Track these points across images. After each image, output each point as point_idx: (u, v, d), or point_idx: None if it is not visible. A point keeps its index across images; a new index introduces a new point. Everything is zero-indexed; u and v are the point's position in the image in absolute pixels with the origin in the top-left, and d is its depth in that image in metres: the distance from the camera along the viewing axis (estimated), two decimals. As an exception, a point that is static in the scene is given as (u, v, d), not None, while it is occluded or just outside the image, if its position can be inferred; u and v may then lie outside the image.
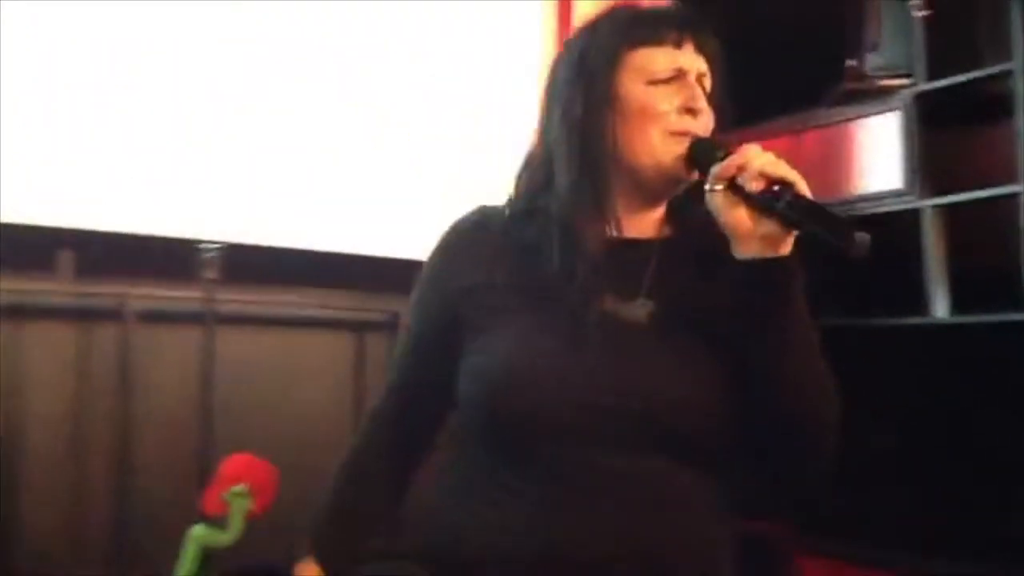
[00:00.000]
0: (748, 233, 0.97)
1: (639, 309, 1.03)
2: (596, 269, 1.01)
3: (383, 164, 2.60)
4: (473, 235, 1.10)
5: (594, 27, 1.09)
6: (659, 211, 1.10)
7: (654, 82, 1.04)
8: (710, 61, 1.07)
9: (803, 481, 1.11)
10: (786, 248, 0.96)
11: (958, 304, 2.43)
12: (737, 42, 3.19)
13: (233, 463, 1.94)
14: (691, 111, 1.03)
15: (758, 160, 0.96)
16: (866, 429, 2.67)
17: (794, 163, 2.88)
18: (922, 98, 2.53)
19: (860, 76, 2.78)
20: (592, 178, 1.03)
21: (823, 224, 0.92)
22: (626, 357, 1.00)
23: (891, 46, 2.72)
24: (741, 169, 0.97)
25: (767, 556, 2.76)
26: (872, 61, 2.76)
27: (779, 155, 2.86)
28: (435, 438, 1.16)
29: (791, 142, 2.93)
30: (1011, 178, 2.25)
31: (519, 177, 1.12)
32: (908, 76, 2.61)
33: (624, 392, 0.98)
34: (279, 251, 2.38)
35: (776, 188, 0.95)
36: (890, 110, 2.60)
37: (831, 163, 2.81)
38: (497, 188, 1.16)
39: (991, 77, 2.36)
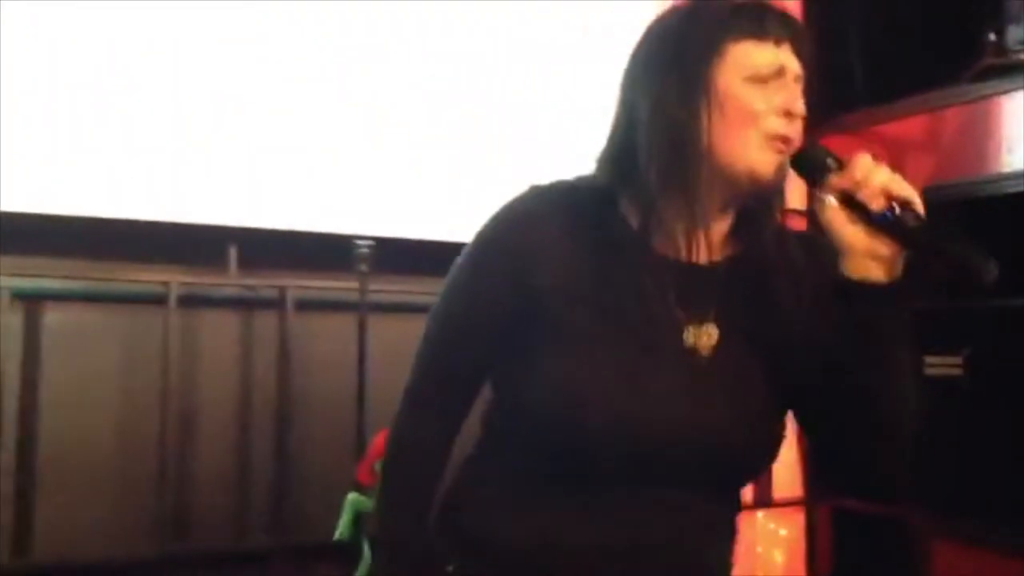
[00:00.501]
0: (865, 252, 0.91)
1: (705, 337, 0.98)
2: (670, 295, 0.97)
3: (515, 163, 2.69)
4: (541, 228, 0.99)
5: (693, 12, 0.99)
6: (729, 220, 1.02)
7: (753, 79, 0.94)
8: (804, 65, 0.99)
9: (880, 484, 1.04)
10: (900, 269, 0.91)
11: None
12: (876, 19, 3.15)
13: (384, 437, 2.08)
14: (790, 114, 0.95)
15: (878, 176, 0.90)
16: (1004, 413, 2.61)
17: (934, 141, 2.83)
18: (1066, 72, 2.45)
19: (1001, 50, 2.69)
20: (685, 174, 0.95)
21: (957, 249, 0.87)
22: (689, 390, 0.96)
23: (1034, 19, 2.63)
24: (859, 184, 0.90)
25: (900, 540, 2.74)
26: (1013, 34, 2.67)
27: (919, 133, 2.79)
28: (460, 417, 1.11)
29: (931, 120, 2.87)
30: None
31: (600, 162, 1.03)
32: (1052, 48, 2.53)
33: (684, 431, 0.95)
34: (425, 243, 2.50)
35: (897, 207, 0.89)
36: (1030, 85, 2.53)
37: (971, 141, 2.74)
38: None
39: None
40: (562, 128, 2.71)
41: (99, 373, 2.40)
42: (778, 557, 3.01)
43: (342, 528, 2.16)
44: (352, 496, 2.16)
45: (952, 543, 2.65)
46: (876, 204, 0.89)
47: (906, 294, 0.92)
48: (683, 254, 0.99)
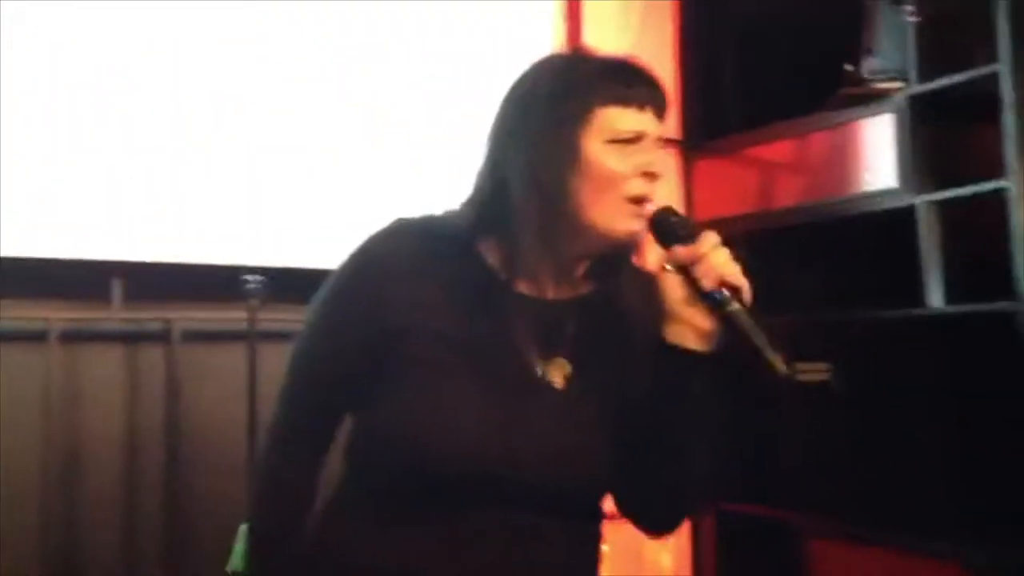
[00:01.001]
0: (687, 322, 0.98)
1: (557, 370, 1.04)
2: (526, 331, 1.02)
3: (415, 188, 2.74)
4: (399, 264, 1.05)
5: (565, 74, 1.04)
6: (587, 262, 1.09)
7: (615, 142, 1.01)
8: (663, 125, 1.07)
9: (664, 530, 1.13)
10: (712, 343, 0.99)
11: (952, 295, 2.53)
12: (748, 51, 3.34)
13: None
14: (648, 175, 1.02)
15: (715, 257, 0.97)
16: (871, 416, 2.79)
17: (802, 164, 3.02)
18: (915, 100, 2.63)
19: (858, 80, 2.88)
20: (553, 234, 1.01)
21: (763, 340, 0.94)
22: (539, 420, 1.01)
23: (887, 51, 2.82)
24: (698, 260, 0.97)
25: (780, 540, 2.89)
26: (869, 65, 2.86)
27: (788, 156, 2.99)
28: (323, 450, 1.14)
29: (798, 144, 3.05)
30: (1000, 174, 2.35)
31: (465, 206, 1.09)
32: (903, 79, 2.71)
33: (532, 457, 1.00)
34: (312, 272, 2.51)
35: (726, 291, 0.96)
36: (885, 112, 2.71)
37: (833, 164, 2.93)
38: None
39: (980, 78, 2.47)
40: (437, 159, 2.77)
41: (-24, 414, 2.33)
42: (665, 560, 3.13)
43: (235, 559, 2.15)
44: (245, 527, 2.16)
45: (827, 541, 2.81)
46: (706, 282, 0.96)
47: (713, 366, 0.99)
48: (539, 292, 1.05)
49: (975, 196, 2.49)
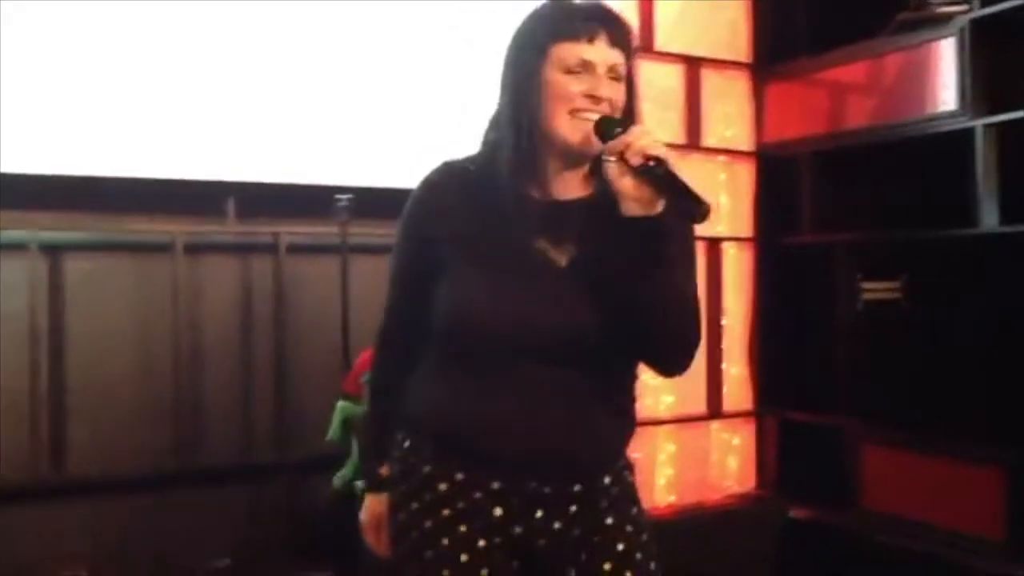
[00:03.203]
0: (630, 196, 1.21)
1: (562, 254, 1.30)
2: (532, 225, 1.29)
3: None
4: (441, 193, 1.35)
5: (531, 21, 1.32)
6: (582, 171, 1.34)
7: (567, 71, 1.26)
8: (625, 49, 1.29)
9: (674, 372, 1.36)
10: (658, 208, 1.21)
11: (1006, 216, 2.62)
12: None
13: (367, 355, 2.34)
14: (592, 97, 1.26)
15: (640, 140, 1.19)
16: (936, 333, 2.90)
17: (875, 85, 3.02)
18: (976, 24, 2.68)
19: (922, 3, 2.93)
20: (527, 147, 1.29)
21: (681, 192, 1.17)
22: (552, 290, 1.28)
23: (952, -27, 2.85)
24: (628, 146, 1.19)
25: (836, 445, 3.06)
26: (934, -12, 2.90)
27: (861, 79, 3.00)
28: (424, 341, 1.38)
29: (871, 66, 3.10)
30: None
31: (484, 138, 1.37)
32: (967, 2, 2.75)
33: (549, 318, 1.26)
34: (396, 191, 2.77)
35: (652, 163, 1.18)
36: (947, 36, 2.76)
37: (896, 87, 2.98)
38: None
39: (1042, 2, 2.51)
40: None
41: (116, 315, 2.69)
42: (732, 463, 3.33)
43: (333, 429, 2.48)
44: (341, 403, 2.48)
45: (880, 447, 2.97)
46: (635, 160, 1.19)
47: (662, 225, 1.23)
48: (547, 195, 1.33)
49: (1031, 119, 2.55)
